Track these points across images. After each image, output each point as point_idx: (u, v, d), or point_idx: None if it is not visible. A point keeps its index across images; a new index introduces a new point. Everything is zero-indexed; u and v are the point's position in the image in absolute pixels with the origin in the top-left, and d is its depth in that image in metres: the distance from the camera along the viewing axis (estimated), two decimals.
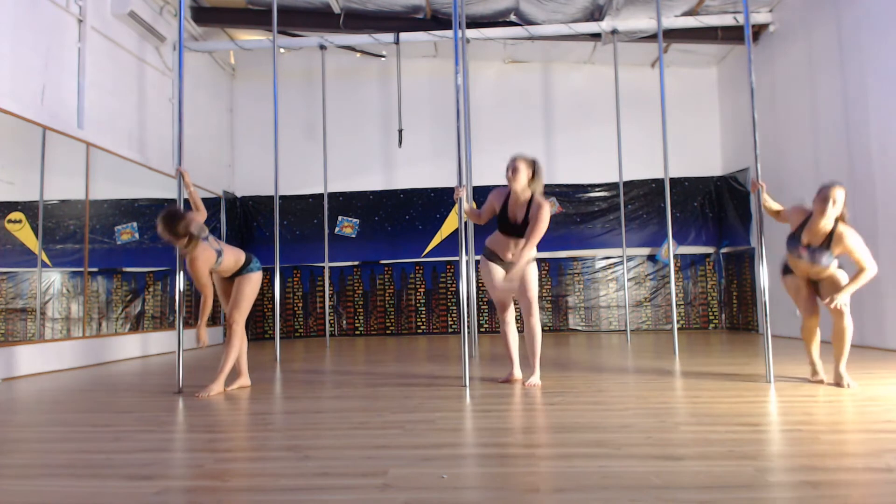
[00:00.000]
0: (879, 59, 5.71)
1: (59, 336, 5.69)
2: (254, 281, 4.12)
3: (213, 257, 3.89)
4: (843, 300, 3.50)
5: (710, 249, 9.04)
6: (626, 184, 8.45)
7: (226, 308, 4.10)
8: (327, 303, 8.14)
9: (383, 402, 3.40)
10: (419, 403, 3.34)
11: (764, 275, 3.98)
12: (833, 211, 3.55)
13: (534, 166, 3.94)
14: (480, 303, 8.95)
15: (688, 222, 8.99)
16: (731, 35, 7.88)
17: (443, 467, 2.08)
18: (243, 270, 4.10)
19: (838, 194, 3.55)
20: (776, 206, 4.00)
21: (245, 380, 4.15)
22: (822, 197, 3.56)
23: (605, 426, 2.67)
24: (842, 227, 3.59)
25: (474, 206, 4.39)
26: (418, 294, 9.11)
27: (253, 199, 9.25)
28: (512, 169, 3.91)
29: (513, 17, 8.16)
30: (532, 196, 3.91)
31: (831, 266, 3.68)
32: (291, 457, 2.26)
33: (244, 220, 9.28)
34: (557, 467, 2.07)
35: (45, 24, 5.66)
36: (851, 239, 3.55)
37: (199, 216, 4.10)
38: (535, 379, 3.95)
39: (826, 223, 3.58)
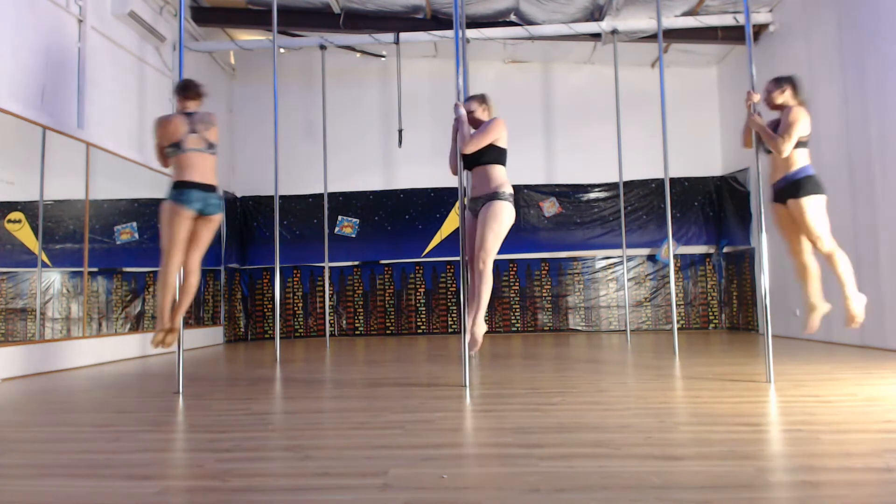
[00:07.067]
0: (879, 59, 5.71)
1: (59, 336, 5.69)
2: (163, 211, 4.07)
3: (182, 127, 3.95)
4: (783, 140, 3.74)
5: (710, 249, 9.04)
6: (626, 184, 8.44)
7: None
8: (327, 303, 8.13)
9: (383, 402, 3.40)
10: (419, 403, 3.34)
11: (764, 275, 3.98)
12: (777, 97, 3.87)
13: (484, 100, 4.02)
14: None
15: (688, 222, 8.99)
16: (731, 35, 7.87)
17: (443, 467, 2.08)
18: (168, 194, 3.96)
19: (762, 89, 3.95)
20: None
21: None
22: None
23: (605, 426, 2.67)
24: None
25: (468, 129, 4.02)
26: (418, 294, 9.11)
27: (253, 199, 9.25)
28: (471, 122, 3.98)
29: (513, 17, 8.16)
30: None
31: (793, 158, 3.78)
32: (291, 457, 2.26)
33: (244, 219, 9.28)
34: (557, 467, 2.07)
35: (45, 24, 5.66)
36: (795, 112, 3.75)
37: None
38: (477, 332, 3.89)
39: (773, 104, 3.91)
